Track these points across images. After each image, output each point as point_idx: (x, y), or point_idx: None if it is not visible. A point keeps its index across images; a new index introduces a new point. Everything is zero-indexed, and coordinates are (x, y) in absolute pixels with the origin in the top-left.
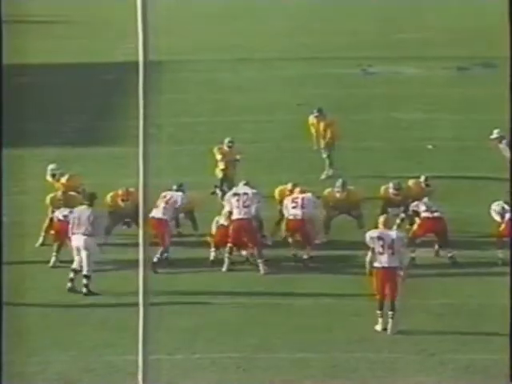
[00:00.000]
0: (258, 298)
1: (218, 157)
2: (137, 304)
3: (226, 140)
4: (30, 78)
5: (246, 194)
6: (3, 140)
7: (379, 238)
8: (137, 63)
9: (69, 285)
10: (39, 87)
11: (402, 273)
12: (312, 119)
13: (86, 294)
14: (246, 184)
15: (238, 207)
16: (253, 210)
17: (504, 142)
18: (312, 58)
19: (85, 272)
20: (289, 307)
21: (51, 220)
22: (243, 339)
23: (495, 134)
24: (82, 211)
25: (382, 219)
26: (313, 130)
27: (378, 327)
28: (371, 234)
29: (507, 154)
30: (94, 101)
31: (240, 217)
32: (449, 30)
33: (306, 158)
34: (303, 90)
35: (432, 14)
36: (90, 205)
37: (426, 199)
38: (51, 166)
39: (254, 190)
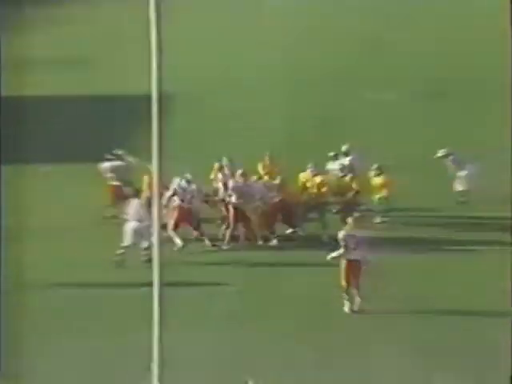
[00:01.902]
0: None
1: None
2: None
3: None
4: (50, 110)
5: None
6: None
7: (350, 235)
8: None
9: (117, 258)
10: (59, 119)
11: (365, 264)
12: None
13: (146, 261)
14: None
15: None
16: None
17: (450, 158)
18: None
19: (145, 245)
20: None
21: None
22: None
23: (441, 152)
24: (134, 203)
25: (351, 220)
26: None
27: (346, 308)
28: (343, 232)
29: (452, 169)
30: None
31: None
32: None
33: None
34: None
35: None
36: (138, 197)
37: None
38: None
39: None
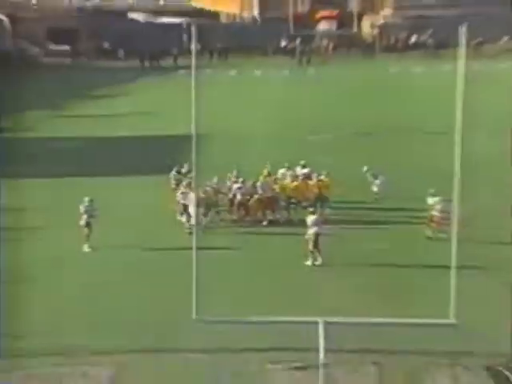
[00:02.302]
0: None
1: None
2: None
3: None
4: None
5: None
6: None
7: (313, 219)
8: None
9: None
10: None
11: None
12: None
13: (190, 233)
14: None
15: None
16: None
17: (369, 172)
18: None
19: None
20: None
21: None
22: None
23: (364, 168)
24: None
25: (312, 209)
26: None
27: (309, 262)
28: (309, 217)
29: (370, 179)
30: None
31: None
32: None
33: None
34: None
35: None
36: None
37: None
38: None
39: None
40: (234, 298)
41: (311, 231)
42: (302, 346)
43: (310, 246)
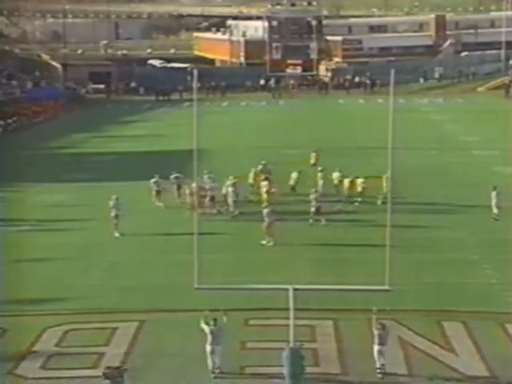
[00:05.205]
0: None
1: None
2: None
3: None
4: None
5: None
6: None
7: (268, 212)
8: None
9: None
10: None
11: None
12: None
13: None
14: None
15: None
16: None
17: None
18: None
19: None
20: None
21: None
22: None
23: (320, 168)
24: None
25: (264, 204)
26: None
27: (264, 242)
28: (265, 209)
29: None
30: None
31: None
32: None
33: None
34: None
35: None
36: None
37: None
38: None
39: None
40: (223, 272)
41: (266, 222)
42: (275, 307)
43: (264, 231)
